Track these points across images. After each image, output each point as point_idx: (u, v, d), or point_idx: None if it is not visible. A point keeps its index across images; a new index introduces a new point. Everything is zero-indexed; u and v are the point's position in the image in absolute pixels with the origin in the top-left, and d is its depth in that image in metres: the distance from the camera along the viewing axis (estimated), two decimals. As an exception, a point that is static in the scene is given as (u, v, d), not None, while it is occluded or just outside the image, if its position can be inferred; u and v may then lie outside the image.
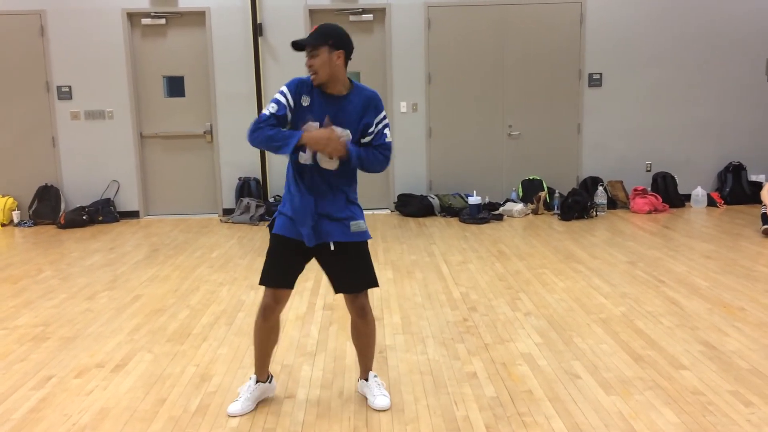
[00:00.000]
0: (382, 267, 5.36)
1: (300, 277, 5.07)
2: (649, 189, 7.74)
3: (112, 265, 5.65)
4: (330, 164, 2.83)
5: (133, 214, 7.80)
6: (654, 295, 4.47)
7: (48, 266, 5.62)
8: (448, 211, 7.43)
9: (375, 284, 3.02)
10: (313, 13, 7.61)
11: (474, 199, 7.15)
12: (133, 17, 7.55)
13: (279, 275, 2.95)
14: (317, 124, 2.78)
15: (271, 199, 7.66)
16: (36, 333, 4.02)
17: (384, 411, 2.95)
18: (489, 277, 5.00)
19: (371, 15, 7.63)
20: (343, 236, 2.87)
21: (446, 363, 3.45)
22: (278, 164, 7.76)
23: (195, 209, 7.91)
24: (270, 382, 3.11)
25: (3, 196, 7.56)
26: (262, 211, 7.44)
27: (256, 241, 6.43)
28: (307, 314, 4.27)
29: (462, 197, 7.57)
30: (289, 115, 2.79)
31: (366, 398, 3.06)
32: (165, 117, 7.79)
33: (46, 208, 7.55)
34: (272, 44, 7.58)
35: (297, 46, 2.79)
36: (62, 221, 7.30)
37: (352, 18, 7.63)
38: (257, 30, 7.48)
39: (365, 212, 7.72)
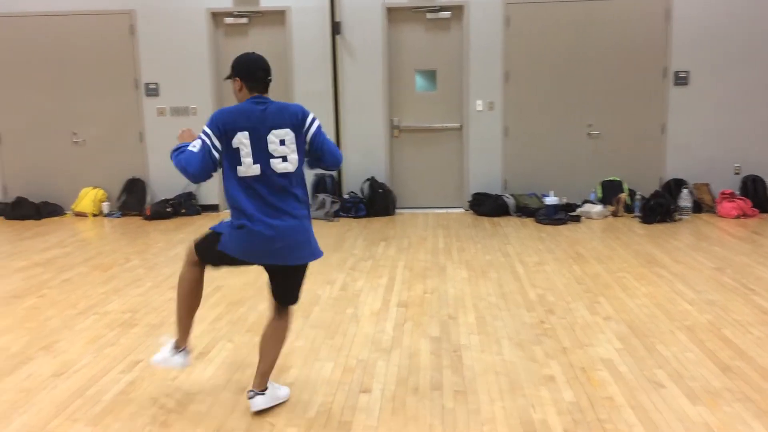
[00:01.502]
0: (456, 266, 5.34)
1: (373, 274, 5.13)
2: (738, 192, 7.40)
3: (194, 256, 5.84)
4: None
5: (213, 207, 8.04)
6: (743, 303, 4.27)
7: (135, 256, 5.86)
8: (524, 211, 7.32)
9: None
10: (390, 11, 7.64)
11: (551, 200, 7.02)
12: (216, 17, 7.78)
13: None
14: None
15: (346, 196, 7.74)
16: (125, 319, 4.21)
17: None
18: (566, 279, 4.90)
19: (449, 12, 7.60)
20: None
21: (523, 365, 3.40)
22: (354, 162, 7.84)
23: (272, 204, 8.08)
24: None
25: (94, 188, 7.94)
26: (337, 207, 7.53)
27: (331, 237, 6.52)
28: (382, 310, 4.30)
29: (538, 197, 7.44)
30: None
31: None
32: (245, 114, 7.98)
33: (134, 200, 7.88)
34: (350, 42, 7.66)
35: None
36: (148, 213, 7.61)
37: (429, 16, 7.62)
38: (335, 28, 7.57)
39: (438, 210, 7.81)
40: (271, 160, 2.78)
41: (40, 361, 3.56)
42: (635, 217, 7.16)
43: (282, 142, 2.79)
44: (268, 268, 2.96)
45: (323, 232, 6.79)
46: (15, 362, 3.56)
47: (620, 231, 6.55)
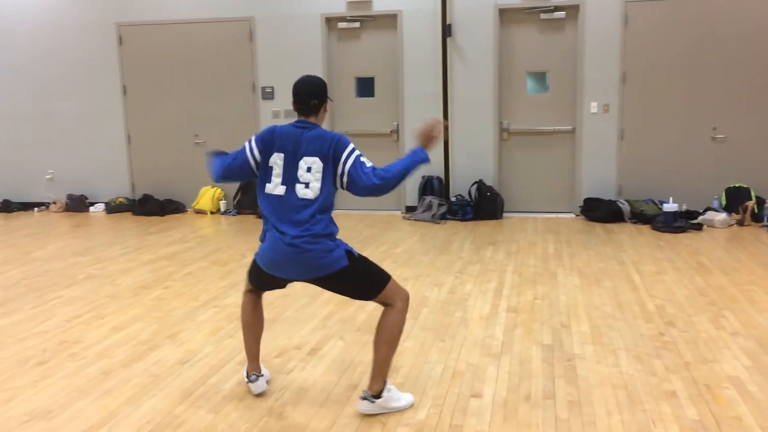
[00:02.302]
0: (568, 272, 5.19)
1: (481, 278, 5.07)
2: None
3: (305, 254, 6.00)
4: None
5: (323, 208, 8.23)
6: None
7: (250, 252, 6.10)
8: (640, 217, 7.01)
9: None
10: (503, 12, 7.54)
11: (670, 206, 6.68)
12: (330, 21, 7.97)
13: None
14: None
15: (453, 198, 7.71)
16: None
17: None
18: (688, 290, 4.65)
19: (563, 12, 7.41)
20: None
21: (641, 378, 3.25)
22: (461, 165, 7.80)
23: (378, 205, 8.18)
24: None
25: (212, 187, 8.34)
26: (443, 210, 7.52)
27: (438, 239, 6.51)
28: (491, 315, 4.25)
29: (656, 204, 7.11)
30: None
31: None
32: (355, 116, 8.13)
33: (248, 200, 8.21)
34: (460, 45, 7.63)
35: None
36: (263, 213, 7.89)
37: (543, 16, 7.46)
38: (446, 31, 7.56)
39: (547, 215, 7.62)
40: (296, 185, 2.86)
41: (167, 349, 3.77)
42: (764, 226, 6.69)
43: (309, 170, 2.86)
44: (308, 281, 2.94)
45: (429, 234, 6.79)
46: (144, 349, 3.79)
47: (747, 241, 6.14)
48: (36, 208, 8.78)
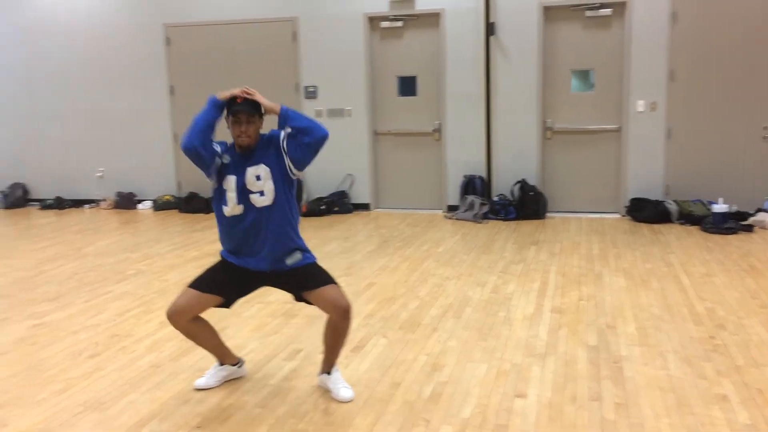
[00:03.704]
0: (613, 273, 5.11)
1: (525, 278, 5.03)
2: None
3: (347, 253, 6.05)
4: (265, 200, 2.98)
5: (364, 207, 8.27)
6: None
7: (293, 250, 6.16)
8: (688, 218, 6.86)
9: (334, 281, 3.06)
10: (547, 10, 7.46)
11: (719, 207, 6.52)
12: (373, 21, 8.00)
13: (212, 285, 3.08)
14: (234, 177, 2.99)
15: (495, 198, 7.67)
16: (286, 309, 4.44)
17: (347, 402, 3.04)
18: (738, 293, 4.54)
19: (609, 9, 7.30)
20: (280, 266, 3.03)
21: (690, 381, 3.19)
22: (504, 164, 7.75)
23: (420, 204, 8.18)
24: (239, 367, 3.33)
25: (255, 185, 8.44)
26: (485, 209, 7.48)
27: (480, 238, 6.48)
28: (535, 315, 4.21)
29: (704, 204, 6.94)
30: (218, 161, 3.01)
31: (331, 391, 3.13)
32: (397, 115, 8.15)
33: (290, 198, 8.30)
34: (503, 43, 7.57)
35: (249, 111, 2.96)
36: (304, 210, 7.98)
37: (588, 14, 7.36)
38: (490, 29, 7.52)
39: (592, 215, 7.51)
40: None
41: (213, 344, 3.84)
42: (818, 228, 6.48)
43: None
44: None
45: (471, 233, 6.77)
46: (191, 344, 3.85)
47: (801, 243, 5.96)
48: (87, 205, 9.03)
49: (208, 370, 3.34)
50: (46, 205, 8.96)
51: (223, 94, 3.00)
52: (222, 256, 3.14)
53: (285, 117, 2.97)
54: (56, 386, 3.33)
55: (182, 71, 8.59)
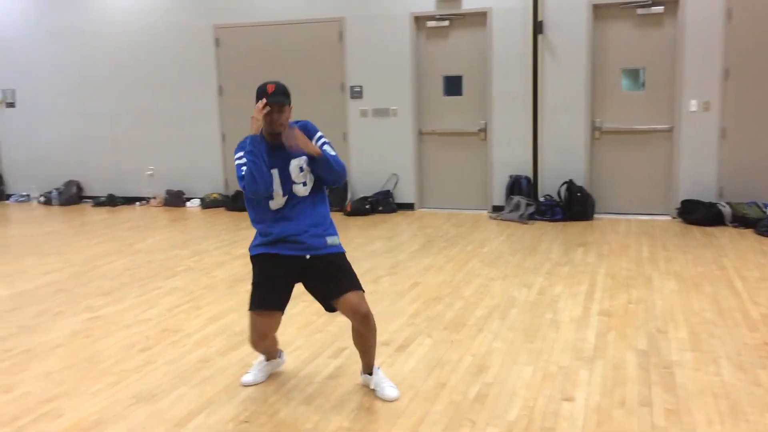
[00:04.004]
0: (664, 277, 5.00)
1: (572, 280, 4.97)
2: None
3: (392, 252, 6.06)
4: (306, 189, 3.04)
5: (409, 206, 8.27)
6: None
7: (338, 249, 6.20)
8: (741, 221, 6.66)
9: (361, 288, 3.06)
10: (597, 8, 7.34)
11: (775, 210, 6.32)
12: (419, 20, 7.99)
13: (267, 297, 3.07)
14: (276, 171, 3.00)
15: (542, 199, 7.57)
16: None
17: (392, 401, 3.05)
18: (796, 298, 4.39)
19: (662, 7, 7.13)
20: (320, 250, 3.03)
21: (745, 389, 3.10)
22: (551, 164, 7.65)
23: (465, 204, 8.14)
24: (281, 357, 3.43)
25: (301, 184, 8.53)
26: (531, 210, 7.40)
27: (526, 240, 6.41)
28: (582, 318, 4.15)
29: (760, 207, 6.73)
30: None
31: (375, 390, 3.15)
32: (442, 115, 8.12)
33: (336, 197, 8.34)
34: (552, 42, 7.48)
35: (281, 100, 2.97)
36: (348, 209, 8.02)
37: (639, 12, 7.21)
38: (538, 28, 7.43)
39: (641, 217, 7.35)
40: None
41: (260, 340, 3.90)
42: None
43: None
44: None
45: (517, 234, 6.70)
46: (239, 340, 3.93)
47: None
48: (137, 203, 9.26)
49: (255, 364, 3.39)
50: (98, 202, 9.22)
51: (256, 126, 2.97)
52: (255, 253, 3.11)
53: (323, 160, 3.00)
54: (109, 378, 3.43)
55: (230, 72, 8.73)
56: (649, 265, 5.34)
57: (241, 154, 3.00)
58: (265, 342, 3.14)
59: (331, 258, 3.07)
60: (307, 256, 3.03)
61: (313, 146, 2.98)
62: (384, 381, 3.16)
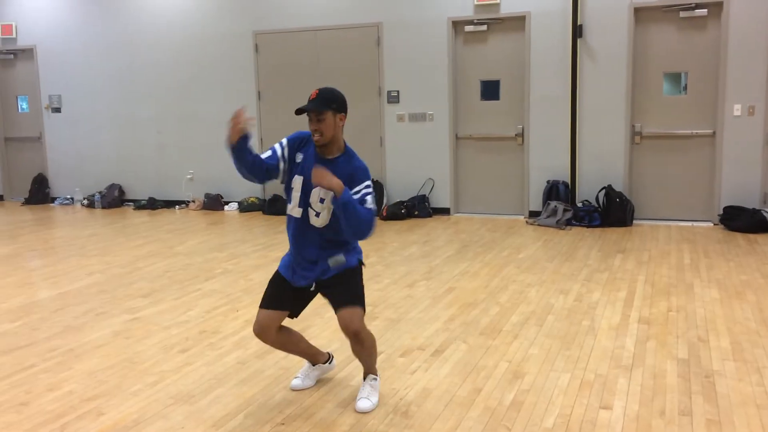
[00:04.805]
0: (705, 284, 4.90)
1: (610, 287, 4.89)
2: None
3: (427, 257, 6.05)
4: (318, 221, 2.96)
5: (444, 211, 8.26)
6: None
7: (373, 253, 6.22)
8: (787, 228, 6.50)
9: (359, 304, 3.01)
10: (638, 11, 7.23)
11: (823, 217, 6.14)
12: (457, 25, 7.98)
13: (272, 298, 3.11)
14: (301, 179, 2.97)
15: (579, 204, 7.49)
16: (366, 312, 4.47)
17: (363, 413, 3.01)
18: None
19: (705, 10, 7.00)
20: (324, 275, 3.03)
21: (791, 401, 3.02)
22: (589, 170, 7.56)
23: (501, 210, 8.09)
24: (330, 363, 3.42)
25: (337, 189, 8.58)
26: (569, 215, 7.32)
27: (563, 245, 6.35)
28: (621, 325, 4.09)
29: (806, 214, 6.55)
30: (282, 166, 3.01)
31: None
32: (479, 119, 8.09)
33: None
34: (591, 46, 7.39)
35: (299, 111, 2.91)
36: (384, 213, 8.04)
37: (682, 14, 7.08)
38: (577, 32, 7.36)
39: (682, 223, 7.21)
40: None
41: (296, 343, 3.93)
42: None
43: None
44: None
45: (554, 240, 6.63)
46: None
47: None
48: (177, 206, 9.43)
49: (301, 369, 3.40)
50: (139, 205, 9.41)
51: (231, 139, 2.93)
52: (278, 269, 3.17)
53: (341, 202, 2.79)
54: (149, 378, 3.50)
55: (269, 77, 8.84)
56: (690, 273, 5.24)
57: (278, 145, 3.08)
58: (266, 335, 3.10)
59: (337, 275, 3.05)
60: (312, 288, 3.10)
61: (336, 186, 2.77)
62: (364, 391, 3.12)
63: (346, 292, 3.04)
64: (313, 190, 2.96)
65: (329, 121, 2.93)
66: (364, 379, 3.19)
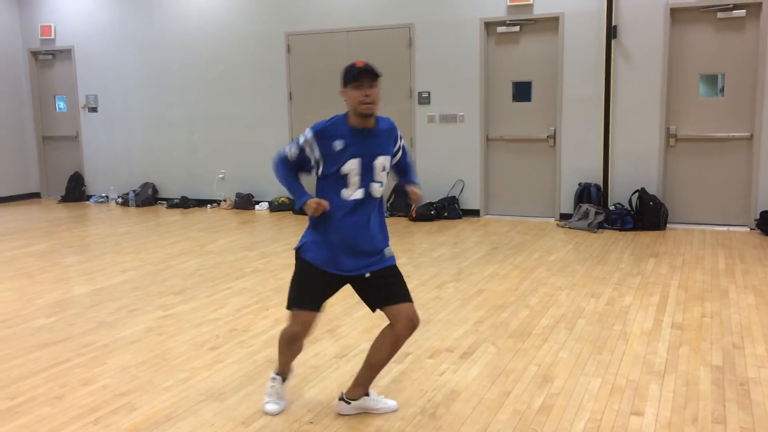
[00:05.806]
0: (741, 290, 4.80)
1: (642, 291, 4.83)
2: None
3: (457, 258, 6.03)
4: (380, 190, 2.95)
5: (474, 213, 8.22)
6: None
7: (402, 254, 6.22)
8: (828, 234, 6.34)
9: (411, 297, 3.00)
10: (674, 12, 7.12)
11: None
12: (489, 26, 7.94)
13: (308, 299, 2.95)
14: (358, 160, 2.84)
15: (612, 207, 7.39)
16: (395, 312, 4.48)
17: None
18: None
19: (743, 11, 6.86)
20: (379, 264, 2.95)
21: (829, 411, 2.94)
22: (622, 172, 7.47)
23: (532, 212, 8.03)
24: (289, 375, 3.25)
25: (367, 189, 8.60)
26: (601, 218, 7.23)
27: (595, 249, 6.27)
28: (653, 330, 4.03)
29: None
30: (317, 165, 2.90)
31: (369, 412, 3.05)
32: (510, 121, 8.04)
33: (401, 202, 8.37)
34: (626, 46, 7.30)
35: (373, 74, 2.86)
36: (413, 214, 8.03)
37: (720, 15, 6.95)
38: (611, 33, 7.27)
39: (717, 227, 7.08)
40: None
41: (325, 343, 3.95)
42: None
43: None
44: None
45: (585, 243, 6.56)
46: (305, 341, 3.98)
47: None
48: (209, 205, 9.54)
49: (268, 394, 3.17)
50: (172, 204, 9.54)
51: (312, 214, 2.88)
52: (310, 263, 2.92)
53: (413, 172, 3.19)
54: (181, 375, 3.55)
55: (301, 78, 8.89)
56: (725, 278, 5.14)
57: (302, 140, 2.92)
58: (304, 338, 3.01)
59: (390, 267, 2.96)
60: (367, 275, 2.91)
61: (420, 192, 3.12)
62: (380, 401, 3.08)
63: (405, 286, 2.99)
64: (378, 160, 2.87)
65: (378, 90, 2.85)
66: (369, 393, 3.09)
